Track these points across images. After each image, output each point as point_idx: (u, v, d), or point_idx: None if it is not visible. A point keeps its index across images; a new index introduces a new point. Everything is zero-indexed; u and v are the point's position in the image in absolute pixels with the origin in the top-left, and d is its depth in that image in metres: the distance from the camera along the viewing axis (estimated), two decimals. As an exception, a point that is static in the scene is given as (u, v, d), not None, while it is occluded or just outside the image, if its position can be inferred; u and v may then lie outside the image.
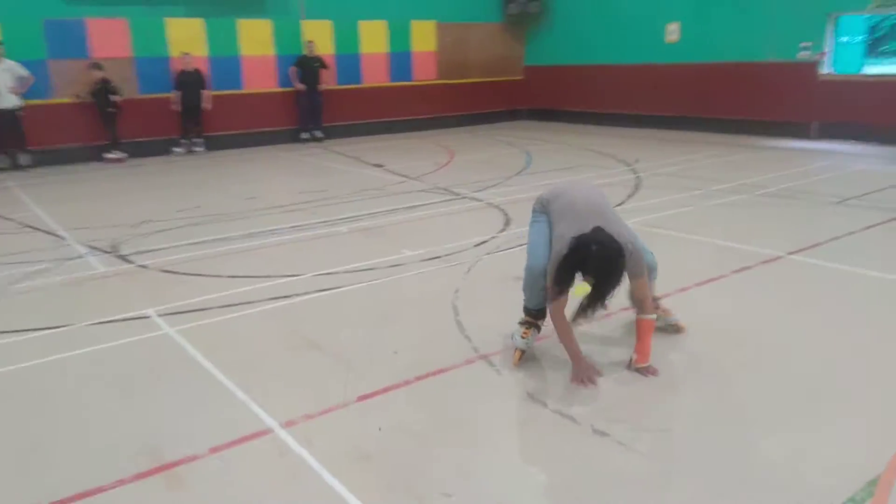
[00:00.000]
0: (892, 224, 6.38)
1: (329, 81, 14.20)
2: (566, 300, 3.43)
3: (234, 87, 13.54)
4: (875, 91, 11.59)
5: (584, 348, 3.64)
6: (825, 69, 11.95)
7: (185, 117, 12.75)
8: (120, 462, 2.89)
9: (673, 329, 4.05)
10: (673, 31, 14.08)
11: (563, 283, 3.33)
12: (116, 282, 5.42)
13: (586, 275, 3.22)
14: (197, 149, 12.97)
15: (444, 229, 6.78)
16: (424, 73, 15.97)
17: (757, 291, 4.78)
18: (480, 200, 7.94)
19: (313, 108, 14.19)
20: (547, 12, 16.47)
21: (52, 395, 3.55)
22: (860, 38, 12.60)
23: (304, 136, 14.30)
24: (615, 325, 4.17)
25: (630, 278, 3.44)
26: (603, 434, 2.99)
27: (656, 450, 2.90)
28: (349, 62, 14.82)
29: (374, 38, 15.06)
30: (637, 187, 8.43)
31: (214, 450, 2.96)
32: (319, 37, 14.10)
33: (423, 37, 15.77)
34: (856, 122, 11.65)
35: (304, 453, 2.91)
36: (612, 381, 3.49)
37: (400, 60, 15.54)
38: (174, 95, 12.52)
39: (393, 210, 7.58)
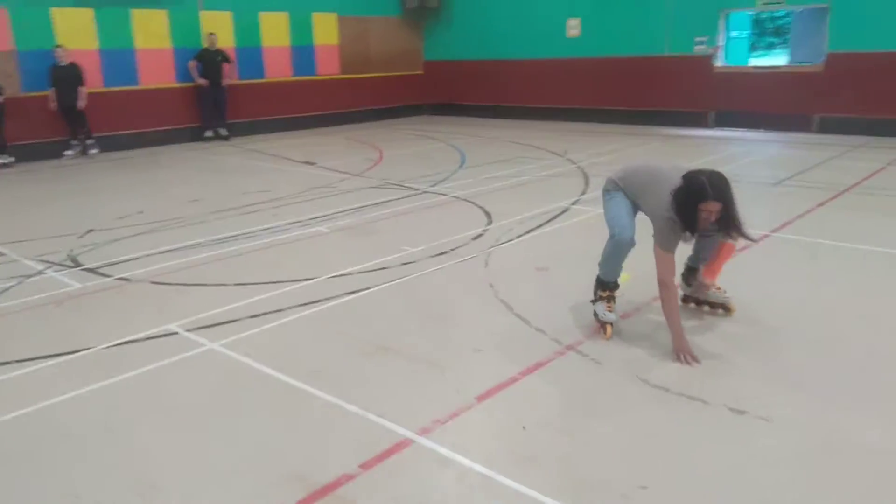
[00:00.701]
0: (840, 200, 7.06)
1: (232, 76, 13.47)
2: (675, 268, 3.71)
3: (130, 83, 12.50)
4: (761, 81, 12.70)
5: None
6: (719, 62, 12.94)
7: (65, 117, 11.52)
8: (272, 494, 2.61)
9: (722, 307, 4.24)
10: (574, 27, 14.64)
11: (687, 220, 3.49)
12: (106, 298, 4.86)
13: (709, 201, 3.40)
14: (92, 151, 11.83)
15: (429, 225, 6.66)
16: (328, 67, 15.55)
17: (773, 267, 5.10)
18: (444, 195, 7.87)
19: (217, 104, 13.41)
20: (445, 7, 16.56)
21: (123, 429, 3.13)
22: (746, 33, 13.73)
23: (208, 134, 13.48)
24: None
25: None
26: (740, 412, 3.09)
27: (798, 422, 3.03)
28: (251, 56, 14.13)
29: (275, 30, 14.46)
30: (587, 178, 8.71)
31: (365, 466, 2.75)
32: (219, 29, 13.33)
33: (325, 30, 15.34)
34: (746, 111, 12.71)
35: (465, 460, 2.77)
36: (707, 358, 3.61)
37: (303, 54, 15.03)
38: (50, 93, 11.27)
39: (362, 207, 7.34)
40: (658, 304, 3.83)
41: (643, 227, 3.88)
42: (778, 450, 2.81)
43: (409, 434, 2.97)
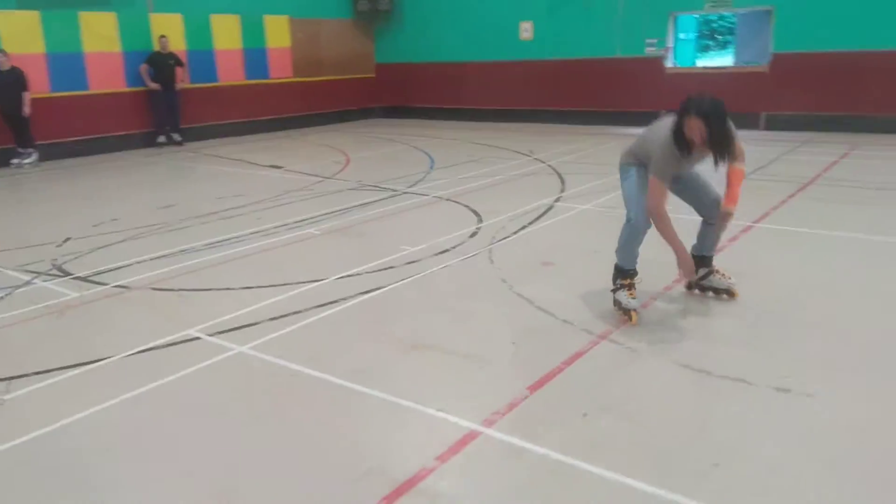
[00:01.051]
0: (808, 192, 7.43)
1: (184, 80, 13.11)
2: (667, 194, 3.89)
3: (78, 88, 12.01)
4: (710, 81, 13.18)
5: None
6: (669, 63, 13.39)
7: (8, 124, 10.94)
8: (357, 491, 2.59)
9: (726, 293, 4.41)
10: (526, 30, 14.88)
11: (678, 138, 3.69)
12: (109, 306, 4.68)
13: (691, 116, 3.58)
14: (27, 161, 11.14)
15: (421, 224, 6.66)
16: (281, 71, 15.32)
17: (764, 255, 5.34)
18: (425, 195, 7.89)
19: (170, 108, 13.03)
20: (397, 10, 16.56)
21: (182, 434, 3.04)
22: (693, 35, 14.25)
23: (161, 139, 13.08)
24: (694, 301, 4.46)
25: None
26: (785, 390, 3.24)
27: (840, 397, 3.20)
28: (202, 59, 13.79)
29: (227, 33, 14.15)
30: (560, 176, 8.88)
31: (442, 458, 2.76)
32: (169, 32, 12.96)
33: (278, 32, 15.11)
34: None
35: (538, 448, 2.82)
36: (734, 342, 3.77)
37: (255, 57, 14.76)
38: (-9, 100, 10.71)
39: (346, 209, 7.28)
40: (671, 291, 3.97)
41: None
42: (831, 424, 2.96)
43: (474, 426, 2.99)
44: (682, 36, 13.51)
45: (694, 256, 4.33)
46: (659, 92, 13.50)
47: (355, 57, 16.98)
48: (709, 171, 4.03)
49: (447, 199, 7.63)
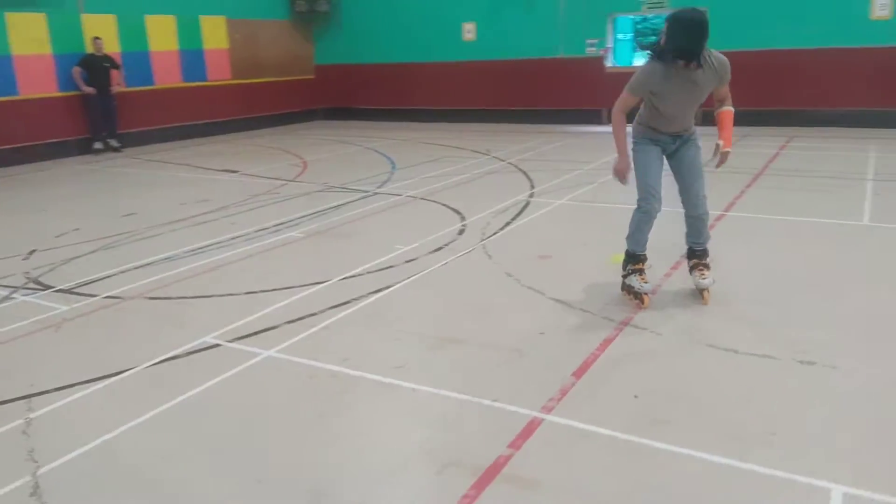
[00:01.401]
0: (762, 181, 7.87)
1: (120, 83, 12.58)
2: (633, 105, 4.11)
3: (7, 93, 11.35)
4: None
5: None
6: (609, 63, 13.83)
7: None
8: (444, 483, 2.61)
9: (698, 294, 4.34)
10: (469, 30, 15.03)
11: (655, 52, 3.95)
12: (107, 318, 4.49)
13: (676, 34, 3.78)
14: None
15: (405, 224, 6.67)
16: (218, 73, 14.92)
17: (740, 243, 5.62)
18: (398, 195, 7.89)
19: (106, 113, 12.47)
20: (336, 11, 16.42)
21: (247, 439, 2.97)
22: (629, 35, 14.76)
23: (98, 146, 12.50)
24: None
25: (725, 81, 4.05)
26: (810, 363, 3.46)
27: (861, 367, 3.44)
28: (138, 61, 13.27)
29: (162, 34, 13.67)
30: (525, 174, 9.04)
31: (514, 446, 2.81)
32: (103, 33, 12.41)
33: (214, 33, 14.71)
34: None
35: (603, 430, 2.91)
36: (748, 320, 3.98)
37: (192, 59, 14.32)
38: None
39: (323, 211, 7.20)
40: (673, 275, 4.16)
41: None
42: (861, 391, 3.19)
43: (534, 413, 3.06)
44: (619, 36, 13.97)
45: (688, 248, 4.47)
46: (600, 91, 13.89)
47: (294, 58, 16.72)
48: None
49: (422, 199, 7.65)
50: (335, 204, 7.51)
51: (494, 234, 6.09)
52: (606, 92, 14.00)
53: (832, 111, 12.08)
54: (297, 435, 3.01)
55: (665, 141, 4.22)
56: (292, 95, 16.65)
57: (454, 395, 3.26)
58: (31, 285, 5.16)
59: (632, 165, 4.22)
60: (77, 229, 6.83)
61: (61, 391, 3.46)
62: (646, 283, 4.27)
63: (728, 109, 4.16)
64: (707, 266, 4.35)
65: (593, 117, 14.04)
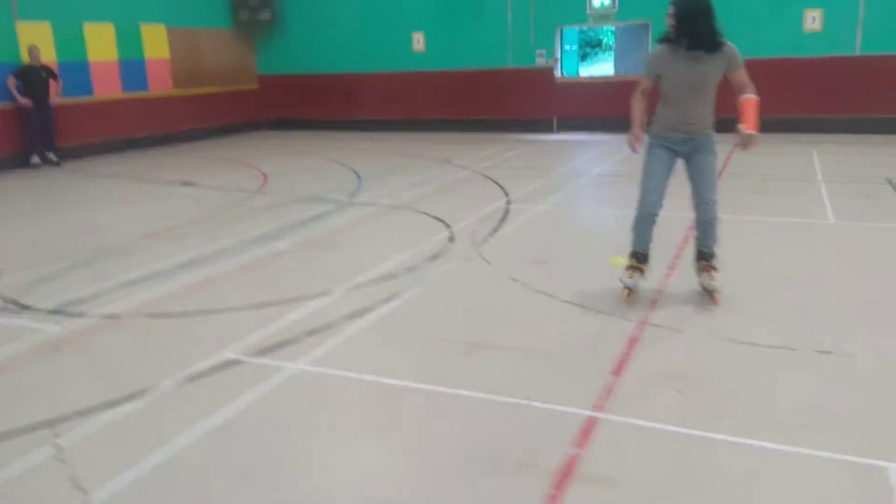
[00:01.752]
0: (723, 183, 8.20)
1: (58, 94, 12.01)
2: (649, 88, 4.39)
3: (-63, 105, 10.67)
4: (596, 90, 14.15)
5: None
6: (558, 73, 14.16)
7: None
8: (520, 486, 2.62)
9: (707, 295, 4.47)
10: (419, 40, 15.09)
11: (663, 38, 4.23)
12: (109, 337, 4.29)
13: (677, 16, 4.09)
14: None
15: (391, 233, 6.64)
16: (160, 83, 14.45)
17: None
18: (374, 205, 7.84)
19: (44, 125, 11.88)
20: (280, 20, 16.18)
21: (303, 449, 2.90)
22: (576, 46, 15.16)
23: (35, 160, 11.86)
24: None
25: (736, 68, 4.22)
26: (827, 352, 3.65)
27: (875, 355, 3.65)
28: (75, 71, 12.71)
29: (101, 42, 13.15)
30: (493, 180, 9.14)
31: (580, 445, 2.86)
32: (38, 41, 11.83)
33: (155, 42, 14.25)
34: (582, 117, 14.06)
35: (660, 425, 3.00)
36: (759, 316, 4.16)
37: (132, 68, 13.82)
38: None
39: (302, 222, 7.07)
40: (674, 275, 4.34)
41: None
42: (883, 376, 3.39)
43: (588, 412, 3.11)
44: (567, 48, 14.33)
45: (696, 250, 4.59)
46: (550, 100, 14.24)
47: (237, 68, 16.37)
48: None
49: (399, 208, 7.63)
50: (311, 215, 7.39)
51: (485, 240, 6.14)
52: (555, 101, 14.46)
53: (774, 118, 12.72)
54: (361, 449, 2.97)
55: (676, 142, 4.33)
56: (235, 106, 16.28)
57: (502, 399, 3.27)
58: (10, 306, 4.87)
59: (640, 139, 4.45)
60: (41, 245, 6.49)
61: (85, 415, 3.29)
62: (630, 278, 4.46)
63: (749, 96, 4.22)
64: (715, 268, 4.47)
65: (544, 126, 14.34)
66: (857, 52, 11.93)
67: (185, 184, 9.77)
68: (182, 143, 14.51)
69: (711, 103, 4.32)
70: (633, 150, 4.51)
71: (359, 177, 9.79)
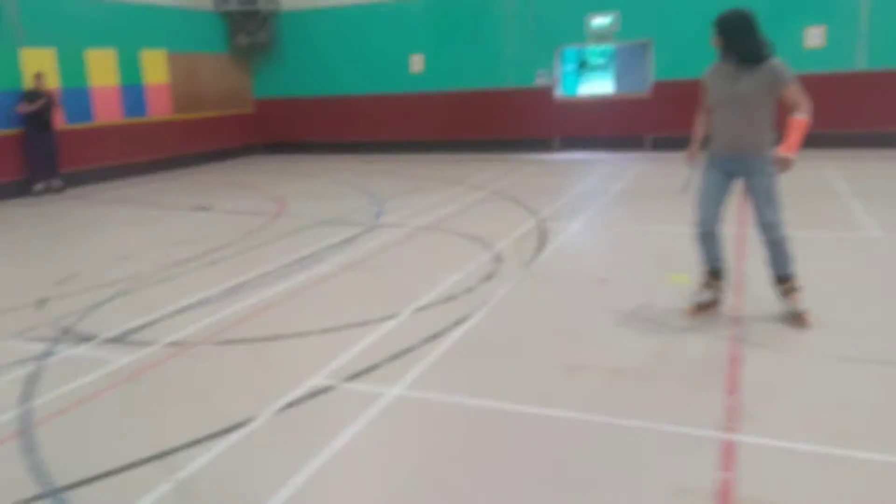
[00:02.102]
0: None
1: (61, 121, 11.81)
2: (708, 110, 4.45)
3: (-62, 132, 10.40)
4: (596, 108, 14.28)
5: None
6: (558, 92, 14.27)
7: None
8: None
9: (794, 319, 4.30)
10: (417, 62, 15.13)
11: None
12: (188, 365, 4.15)
13: (719, 33, 4.17)
14: None
15: (433, 254, 6.54)
16: (160, 108, 14.28)
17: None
18: (403, 226, 7.76)
19: (48, 152, 11.64)
20: (277, 44, 16.13)
21: (436, 480, 2.80)
22: (574, 66, 15.32)
23: (39, 187, 11.62)
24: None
25: (781, 86, 4.09)
26: (849, 360, 3.69)
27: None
28: (77, 97, 12.51)
29: (103, 69, 12.97)
30: (515, 200, 9.13)
31: (726, 468, 2.79)
32: (42, 68, 11.62)
33: (155, 68, 14.10)
34: (586, 135, 14.18)
35: (798, 445, 2.95)
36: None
37: (133, 94, 13.64)
38: None
39: (337, 245, 6.95)
40: (742, 294, 4.33)
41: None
42: None
43: (721, 434, 3.05)
44: (566, 67, 14.48)
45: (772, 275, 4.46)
46: (550, 119, 14.34)
47: (234, 92, 16.26)
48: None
49: (430, 229, 7.56)
50: (343, 237, 7.28)
51: (533, 260, 6.09)
52: (555, 120, 14.55)
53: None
54: (492, 478, 2.87)
55: (725, 161, 4.30)
56: (233, 130, 16.15)
57: (626, 423, 3.20)
58: (69, 337, 4.69)
59: (693, 157, 4.60)
60: (75, 274, 6.29)
61: (192, 447, 3.15)
62: (701, 294, 4.51)
63: (794, 117, 4.05)
64: (795, 289, 4.33)
65: (544, 146, 14.42)
66: (861, 68, 12.15)
67: (200, 208, 9.62)
68: (181, 168, 14.33)
69: (762, 123, 4.18)
70: (688, 166, 4.65)
71: (374, 198, 9.72)
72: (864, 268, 5.56)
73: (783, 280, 4.38)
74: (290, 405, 3.52)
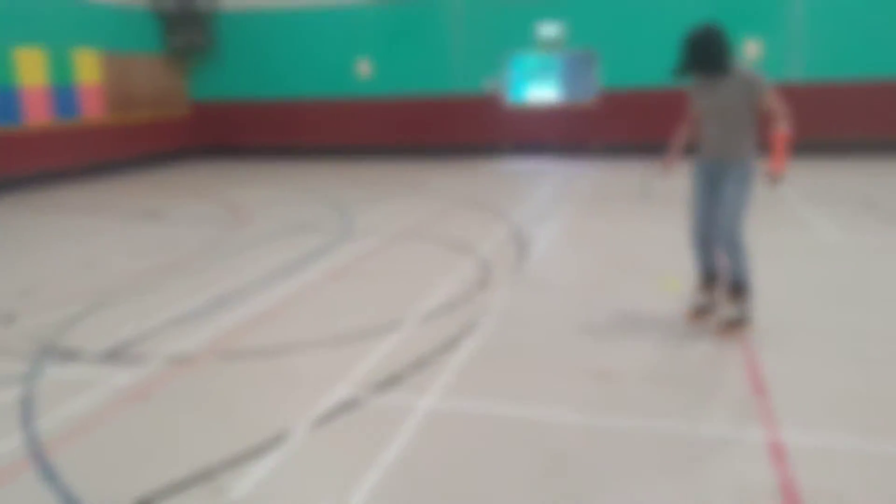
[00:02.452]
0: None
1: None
2: (690, 122, 4.56)
3: None
4: (544, 116, 14.51)
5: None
6: (506, 99, 14.43)
7: None
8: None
9: (734, 325, 4.34)
10: (364, 66, 14.96)
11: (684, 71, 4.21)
12: (197, 380, 3.93)
13: (688, 47, 4.11)
14: None
15: (422, 261, 6.43)
16: (93, 110, 13.57)
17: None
18: (378, 233, 7.63)
19: (-26, 155, 10.87)
20: (215, 45, 15.61)
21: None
22: (523, 72, 15.55)
23: (-36, 193, 10.83)
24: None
25: (758, 94, 4.09)
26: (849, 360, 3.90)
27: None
28: (5, 97, 11.73)
29: (31, 67, 12.21)
30: (488, 207, 9.16)
31: (782, 473, 2.87)
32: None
33: (87, 67, 13.39)
34: (534, 142, 14.39)
35: (829, 440, 3.07)
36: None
37: (64, 95, 12.91)
38: None
39: (314, 253, 6.77)
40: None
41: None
42: None
43: (762, 433, 3.14)
44: (514, 74, 14.69)
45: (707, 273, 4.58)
46: (498, 125, 14.48)
47: (170, 94, 15.65)
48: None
49: (405, 235, 7.48)
50: (318, 244, 7.11)
51: (521, 266, 6.11)
52: (504, 127, 14.69)
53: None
54: (539, 493, 2.85)
55: (708, 166, 4.39)
56: (168, 133, 15.56)
57: (667, 426, 3.24)
58: (53, 351, 4.37)
59: (669, 164, 4.75)
60: (39, 284, 5.88)
61: (233, 467, 2.99)
62: (696, 298, 4.63)
63: (775, 131, 4.08)
64: (742, 297, 4.33)
65: (493, 152, 14.53)
66: (801, 78, 12.80)
67: (151, 215, 9.18)
68: (116, 172, 13.68)
69: (741, 131, 4.22)
70: (662, 172, 4.81)
71: (337, 205, 9.54)
72: (823, 270, 5.81)
73: (734, 286, 4.37)
74: (323, 420, 3.39)
